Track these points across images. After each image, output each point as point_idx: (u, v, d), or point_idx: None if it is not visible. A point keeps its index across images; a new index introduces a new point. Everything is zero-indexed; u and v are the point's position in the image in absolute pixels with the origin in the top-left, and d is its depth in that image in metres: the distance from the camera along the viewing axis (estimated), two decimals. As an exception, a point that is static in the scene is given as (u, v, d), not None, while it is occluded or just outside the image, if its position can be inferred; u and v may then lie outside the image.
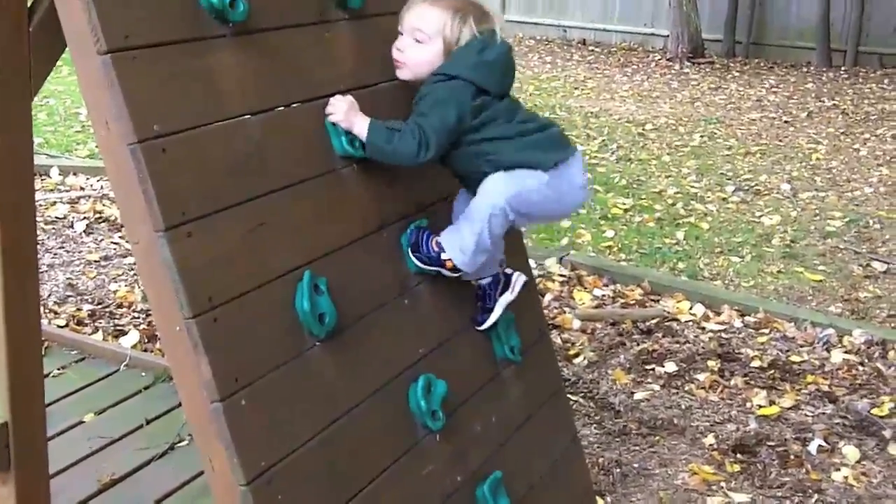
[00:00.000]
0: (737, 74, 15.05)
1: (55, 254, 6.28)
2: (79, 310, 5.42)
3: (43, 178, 7.78)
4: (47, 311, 5.39)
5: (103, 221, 7.02)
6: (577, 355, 5.31)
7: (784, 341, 5.60)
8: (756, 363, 5.29)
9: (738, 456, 4.42)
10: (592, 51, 17.15)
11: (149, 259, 2.24)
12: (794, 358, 5.38)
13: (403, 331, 2.86)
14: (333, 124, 2.71)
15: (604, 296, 6.18)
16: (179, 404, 4.02)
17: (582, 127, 11.22)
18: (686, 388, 5.02)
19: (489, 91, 2.79)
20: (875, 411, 4.82)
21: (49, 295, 5.62)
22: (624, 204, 8.31)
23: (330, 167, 2.71)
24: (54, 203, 7.16)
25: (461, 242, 2.82)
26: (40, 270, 5.83)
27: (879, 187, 9.08)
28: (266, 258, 2.43)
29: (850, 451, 4.49)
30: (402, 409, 2.78)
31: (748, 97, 13.30)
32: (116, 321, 5.31)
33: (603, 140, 10.61)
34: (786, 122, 11.84)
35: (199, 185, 2.30)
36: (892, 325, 5.98)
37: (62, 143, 9.22)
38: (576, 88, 13.71)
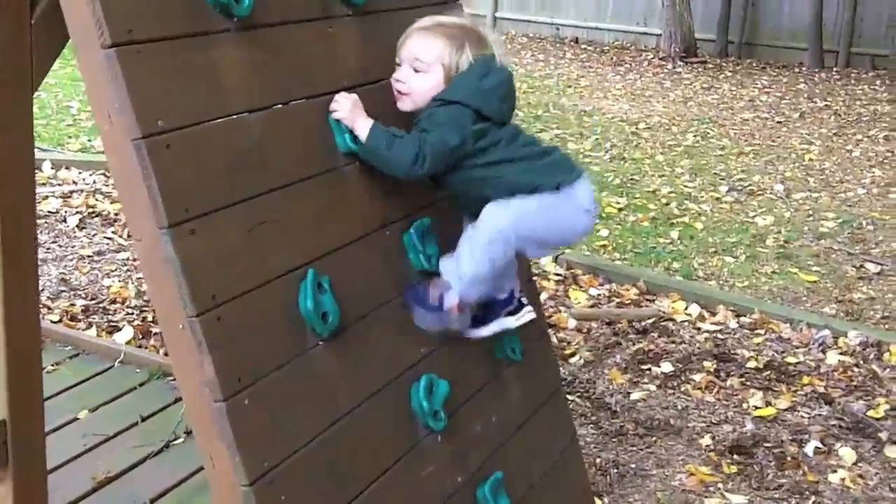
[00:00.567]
0: (729, 74, 15.05)
1: (48, 248, 6.23)
2: (72, 305, 5.38)
3: (35, 172, 7.72)
4: (41, 306, 5.34)
5: (96, 216, 6.98)
6: (572, 355, 5.30)
7: (779, 342, 5.59)
8: (752, 364, 5.29)
9: (735, 457, 4.41)
10: (585, 49, 17.14)
11: (152, 256, 2.20)
12: (790, 359, 5.38)
13: (405, 330, 2.83)
14: (337, 122, 2.69)
15: (599, 295, 6.17)
16: (174, 401, 4.07)
17: (575, 125, 11.20)
18: (682, 389, 5.01)
19: (490, 117, 2.77)
20: (871, 413, 4.82)
21: (42, 290, 5.57)
22: (618, 203, 8.30)
23: (332, 165, 2.68)
24: (46, 197, 7.11)
25: (459, 269, 2.77)
26: (33, 265, 5.80)
27: (872, 188, 9.10)
28: (269, 256, 2.40)
29: (847, 453, 4.48)
30: (404, 409, 2.76)
31: (741, 97, 13.31)
32: (110, 317, 5.27)
33: (596, 139, 10.60)
34: (778, 122, 11.85)
35: (202, 182, 2.27)
36: (887, 326, 5.99)
37: (54, 137, 9.16)
38: (569, 87, 13.69)
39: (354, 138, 2.70)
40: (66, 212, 6.95)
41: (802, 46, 15.91)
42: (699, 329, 5.75)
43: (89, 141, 9.12)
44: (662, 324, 5.75)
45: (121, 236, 6.58)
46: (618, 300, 6.11)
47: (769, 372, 5.20)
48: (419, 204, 2.94)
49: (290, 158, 2.55)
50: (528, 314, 2.99)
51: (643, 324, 5.72)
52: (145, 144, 2.14)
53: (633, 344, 5.46)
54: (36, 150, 7.56)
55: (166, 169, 2.18)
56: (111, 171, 2.27)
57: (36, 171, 7.56)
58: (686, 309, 5.97)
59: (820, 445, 4.52)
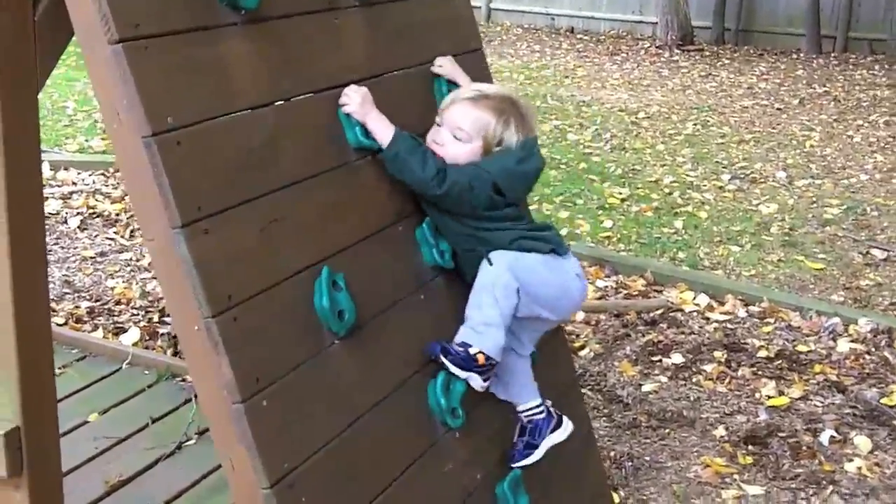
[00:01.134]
0: (727, 62, 15.01)
1: (50, 250, 6.16)
2: (77, 307, 5.33)
3: (34, 173, 7.66)
4: (44, 308, 5.29)
5: (97, 217, 6.92)
6: (582, 347, 5.25)
7: (789, 331, 5.55)
8: (763, 353, 5.24)
9: (750, 448, 4.37)
10: (581, 39, 17.09)
11: (165, 257, 2.16)
12: (801, 347, 5.33)
13: (421, 326, 2.79)
14: (347, 116, 2.65)
15: (606, 287, 6.12)
16: (184, 402, 4.03)
17: (574, 116, 11.15)
18: (694, 380, 4.96)
19: (506, 196, 2.80)
20: (885, 400, 4.77)
21: (45, 292, 5.52)
22: (620, 193, 8.25)
23: (344, 160, 2.64)
24: (46, 199, 7.05)
25: (470, 321, 2.77)
26: (35, 267, 5.74)
27: (875, 174, 9.06)
28: (283, 254, 2.36)
29: (862, 442, 4.44)
30: (422, 406, 2.72)
31: (739, 84, 13.26)
32: (116, 318, 5.22)
33: (596, 129, 10.54)
34: (778, 109, 11.81)
35: (213, 180, 2.22)
36: (896, 312, 5.95)
37: (51, 138, 9.09)
38: (566, 77, 13.64)
39: (365, 132, 2.66)
40: (66, 213, 6.90)
41: (800, 32, 15.87)
42: (708, 319, 5.70)
43: (87, 141, 9.07)
44: (671, 314, 5.70)
45: (123, 237, 6.53)
46: (625, 292, 6.06)
47: (780, 361, 5.16)
48: (432, 198, 2.90)
49: (302, 154, 2.50)
50: (569, 425, 3.05)
51: (652, 315, 5.67)
52: (155, 142, 2.10)
53: (643, 335, 5.42)
54: (35, 152, 7.47)
55: (177, 167, 2.13)
56: (121, 170, 2.23)
57: (35, 172, 7.56)
58: (694, 299, 5.92)
59: (835, 434, 4.48)
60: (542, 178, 8.36)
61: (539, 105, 11.64)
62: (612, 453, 4.24)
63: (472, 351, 2.72)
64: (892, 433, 4.52)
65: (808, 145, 10.07)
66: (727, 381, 4.95)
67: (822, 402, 4.77)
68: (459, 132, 2.82)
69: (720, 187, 8.57)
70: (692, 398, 4.78)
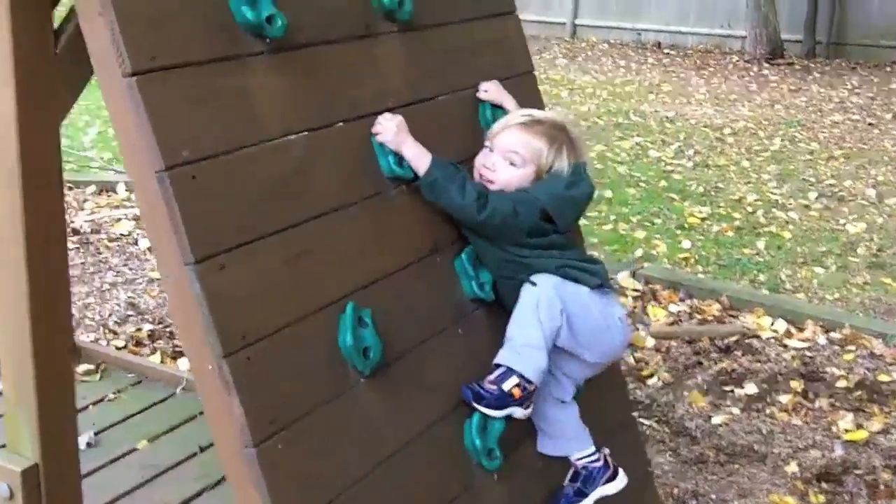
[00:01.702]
0: (817, 76, 14.65)
1: (118, 272, 6.19)
2: (139, 330, 5.32)
3: (109, 194, 7.73)
4: (107, 331, 5.29)
5: (168, 237, 6.93)
6: (650, 376, 5.08)
7: (872, 359, 5.31)
8: (842, 383, 5.01)
9: (823, 485, 4.16)
10: (668, 54, 16.82)
11: (179, 293, 2.10)
12: (883, 377, 5.09)
13: (458, 362, 2.69)
14: (381, 144, 2.56)
15: (679, 311, 5.92)
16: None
17: (657, 132, 10.94)
18: (767, 412, 4.76)
19: (555, 223, 2.73)
20: (971, 435, 4.54)
21: (110, 314, 5.53)
22: (701, 212, 8.04)
23: (377, 190, 2.55)
24: (119, 220, 7.10)
25: (511, 343, 2.66)
26: (103, 289, 5.77)
27: (971, 191, 8.73)
28: (306, 289, 2.28)
29: (945, 480, 4.22)
30: (456, 447, 2.61)
31: (830, 99, 12.92)
32: (175, 342, 5.19)
33: (679, 146, 10.32)
34: (870, 124, 11.46)
35: (233, 214, 2.15)
36: None
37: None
38: (650, 92, 13.42)
39: (399, 161, 2.57)
40: (137, 234, 6.93)
41: (894, 45, 15.42)
42: (786, 346, 5.48)
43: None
44: (747, 341, 5.49)
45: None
46: (699, 316, 5.86)
47: (860, 392, 4.93)
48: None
49: (332, 184, 2.42)
50: (622, 479, 2.93)
51: (726, 341, 5.47)
52: (168, 177, 2.04)
53: (715, 363, 5.22)
54: (111, 173, 7.57)
55: (192, 201, 2.06)
56: (138, 204, 2.17)
57: (111, 193, 7.63)
58: (772, 325, 5.70)
59: (916, 471, 4.27)
60: (620, 197, 8.27)
61: (621, 122, 11.46)
62: (675, 490, 4.07)
63: (506, 387, 2.61)
64: (978, 471, 4.29)
65: (901, 162, 9.76)
66: (803, 412, 4.75)
67: (902, 437, 4.55)
68: (514, 157, 2.76)
69: (806, 206, 8.31)
70: (764, 431, 4.58)
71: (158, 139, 2.03)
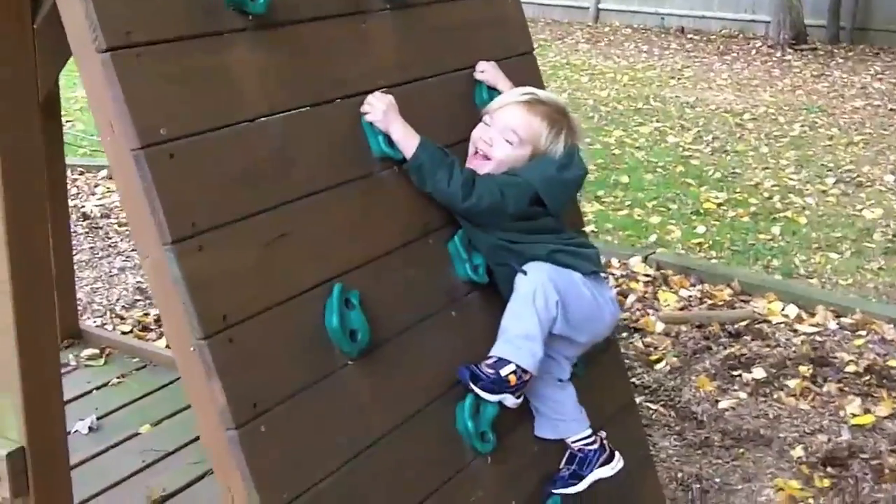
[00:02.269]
0: (841, 61, 14.49)
1: (127, 256, 6.19)
2: (145, 314, 5.32)
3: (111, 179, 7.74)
4: (114, 316, 5.30)
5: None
6: (658, 360, 5.04)
7: (882, 344, 5.25)
8: (851, 368, 4.96)
9: (829, 470, 4.12)
10: (691, 39, 16.68)
11: (159, 274, 2.07)
12: (893, 363, 5.03)
13: (451, 345, 2.66)
14: (370, 124, 2.53)
15: (690, 297, 5.87)
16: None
17: (676, 118, 10.86)
18: (775, 396, 4.71)
19: (546, 205, 2.69)
20: (980, 421, 4.48)
21: (118, 299, 5.53)
22: (717, 198, 7.97)
23: (367, 170, 2.52)
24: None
25: (507, 333, 2.63)
26: (111, 274, 5.78)
27: None
28: (289, 272, 2.25)
29: (952, 465, 4.17)
30: (449, 430, 2.58)
31: (852, 85, 12.78)
32: (182, 326, 5.19)
33: (698, 131, 10.24)
34: (891, 110, 11.34)
35: (212, 194, 2.12)
36: None
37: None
38: (672, 78, 13.31)
39: (389, 141, 2.54)
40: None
41: (919, 29, 15.28)
42: (796, 331, 5.43)
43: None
44: (757, 326, 5.44)
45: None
46: (710, 301, 5.82)
47: (869, 376, 4.87)
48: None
49: (318, 165, 2.39)
50: (618, 462, 2.90)
51: (736, 326, 5.42)
52: (145, 155, 2.01)
53: (725, 348, 5.18)
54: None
55: (169, 180, 2.04)
56: (116, 184, 2.15)
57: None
58: (783, 310, 5.65)
59: (923, 456, 4.21)
60: (636, 183, 8.21)
61: (641, 107, 11.38)
62: (679, 474, 4.03)
63: (503, 373, 2.58)
64: None
65: (921, 147, 9.65)
66: (811, 397, 4.70)
67: (910, 422, 4.50)
68: (512, 135, 2.72)
69: (823, 191, 8.23)
70: (771, 416, 4.54)
71: (134, 117, 2.00)
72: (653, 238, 6.97)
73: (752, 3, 16.98)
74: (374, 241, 2.50)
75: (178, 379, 4.26)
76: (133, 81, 2.01)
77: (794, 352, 5.15)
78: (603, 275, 2.84)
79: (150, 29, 2.06)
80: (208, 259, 2.08)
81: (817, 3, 15.98)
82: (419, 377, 2.54)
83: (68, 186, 5.25)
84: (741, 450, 4.27)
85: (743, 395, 4.72)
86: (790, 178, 8.59)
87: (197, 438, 3.85)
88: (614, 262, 6.24)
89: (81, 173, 7.53)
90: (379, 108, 2.52)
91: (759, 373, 4.90)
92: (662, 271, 6.19)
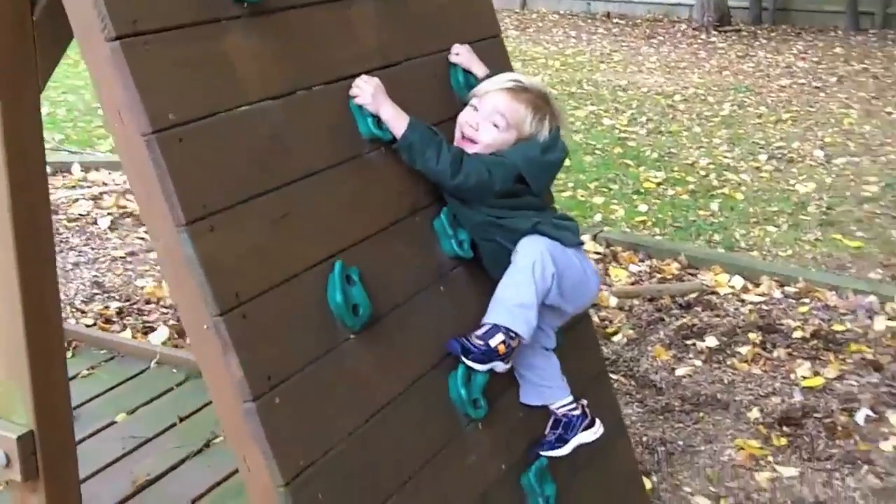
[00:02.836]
0: (764, 41, 14.83)
1: (80, 251, 6.19)
2: (106, 308, 5.34)
3: (65, 174, 7.70)
4: (74, 310, 5.31)
5: (127, 217, 6.93)
6: (615, 333, 5.20)
7: (826, 310, 5.47)
8: (798, 334, 5.17)
9: (785, 429, 4.31)
10: (617, 23, 16.95)
11: (172, 256, 2.14)
12: (837, 327, 5.26)
13: (441, 318, 2.75)
14: (359, 107, 2.61)
15: (640, 272, 6.05)
16: (212, 401, 3.99)
17: (610, 101, 11.06)
18: (728, 363, 4.90)
19: (530, 186, 2.80)
20: (923, 379, 4.69)
21: (76, 294, 5.54)
22: (656, 177, 8.17)
23: (357, 151, 2.60)
24: (77, 200, 7.08)
25: (504, 302, 2.73)
26: (66, 269, 5.78)
27: (915, 150, 8.91)
28: (294, 249, 2.33)
29: (899, 420, 4.37)
30: (443, 398, 2.68)
31: (777, 64, 13.10)
32: (145, 318, 5.22)
33: (632, 113, 10.45)
34: (816, 87, 11.65)
35: (219, 176, 2.19)
36: (936, 289, 5.83)
37: (83, 139, 9.14)
38: (602, 62, 13.53)
39: (378, 123, 2.62)
40: (97, 214, 6.92)
41: (838, 9, 15.64)
42: (743, 301, 5.63)
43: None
44: (706, 297, 5.64)
45: (154, 236, 6.52)
46: (659, 276, 6.00)
47: (816, 341, 5.08)
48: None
49: (314, 147, 2.47)
50: (599, 428, 3.03)
51: (686, 298, 5.61)
52: (157, 140, 2.07)
53: (677, 319, 5.35)
54: (65, 153, 7.53)
55: (180, 164, 2.10)
56: (125, 170, 2.20)
57: (66, 173, 7.61)
58: (729, 281, 5.85)
59: (871, 413, 4.41)
60: (577, 165, 8.36)
61: (574, 91, 11.56)
62: (644, 438, 4.19)
63: (493, 343, 2.68)
64: (931, 411, 4.44)
65: (847, 123, 9.93)
66: (762, 362, 4.89)
67: (857, 382, 4.70)
68: (498, 119, 2.82)
69: (757, 168, 8.47)
70: (726, 381, 4.72)
71: (145, 103, 2.06)
72: (598, 217, 7.13)
73: (675, -14, 17.28)
74: (367, 220, 2.58)
75: (147, 369, 4.36)
76: (141, 68, 2.07)
77: (743, 320, 5.34)
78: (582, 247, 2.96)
79: (154, 17, 2.13)
80: (220, 239, 2.15)
81: (739, -15, 16.32)
82: (414, 349, 2.63)
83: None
84: (701, 413, 4.43)
85: (698, 362, 4.89)
86: (724, 156, 8.82)
87: (174, 425, 3.93)
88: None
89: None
90: (367, 91, 2.60)
91: (711, 341, 5.08)
92: (612, 248, 6.36)
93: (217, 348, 2.13)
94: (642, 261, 6.20)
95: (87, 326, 4.99)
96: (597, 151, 8.94)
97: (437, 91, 2.98)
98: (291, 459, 2.19)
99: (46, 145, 2.55)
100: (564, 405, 2.97)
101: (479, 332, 2.71)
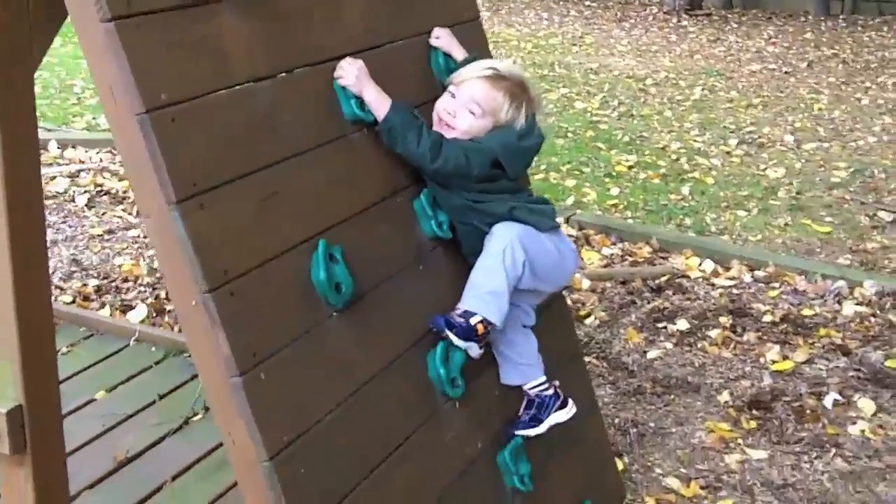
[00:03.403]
0: (735, 26, 14.95)
1: (57, 229, 6.21)
2: (84, 285, 5.36)
3: (41, 152, 7.69)
4: (53, 287, 5.33)
5: (105, 194, 6.94)
6: (587, 315, 5.27)
7: (795, 295, 5.56)
8: (768, 318, 5.25)
9: (754, 412, 4.39)
10: (589, 6, 17.02)
11: (162, 233, 2.18)
12: (806, 311, 5.34)
13: (421, 297, 2.81)
14: (343, 88, 2.65)
15: (612, 255, 6.13)
16: (191, 378, 4.05)
17: (582, 84, 11.13)
18: (699, 346, 4.98)
19: (506, 171, 2.85)
20: (889, 363, 4.78)
21: (54, 271, 5.56)
22: (627, 161, 8.24)
23: (342, 132, 2.65)
24: (54, 177, 7.09)
25: (476, 289, 2.79)
26: (44, 246, 5.77)
27: (883, 136, 9.02)
28: (280, 228, 2.38)
29: (866, 404, 4.45)
30: (422, 377, 2.74)
31: (747, 49, 13.21)
32: (123, 296, 5.25)
33: (604, 96, 10.52)
34: (786, 72, 11.76)
35: (209, 155, 2.23)
36: (903, 274, 5.94)
37: (59, 116, 9.13)
38: (574, 45, 13.60)
39: (361, 105, 2.67)
40: (74, 191, 6.93)
41: (808, -5, 15.78)
42: (714, 285, 5.71)
43: (94, 119, 9.09)
44: (677, 281, 5.72)
45: (130, 214, 6.56)
46: (631, 259, 6.07)
47: (785, 325, 5.17)
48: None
49: (300, 127, 2.51)
50: (572, 408, 3.11)
51: (657, 282, 5.68)
52: (149, 119, 2.11)
53: (648, 302, 5.43)
54: (41, 130, 7.52)
55: (172, 143, 2.14)
56: (118, 148, 2.24)
57: (42, 151, 7.60)
58: (700, 265, 5.93)
59: (839, 397, 4.49)
60: (549, 148, 8.41)
61: (546, 73, 11.62)
62: (616, 420, 4.27)
63: (472, 321, 2.74)
64: (896, 395, 4.54)
65: (817, 108, 10.04)
66: (732, 346, 4.97)
67: (826, 366, 4.78)
68: (475, 107, 2.86)
69: (727, 152, 8.56)
70: (697, 364, 4.80)
71: (138, 82, 2.10)
72: (570, 200, 7.19)
73: (646, -30, 17.35)
74: (350, 200, 2.63)
75: (126, 346, 4.39)
76: (135, 49, 2.11)
77: (714, 304, 5.42)
78: (560, 228, 3.01)
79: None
80: (209, 217, 2.20)
81: (710, -30, 16.41)
82: (394, 328, 2.68)
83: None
84: (672, 396, 4.51)
85: (669, 345, 4.97)
86: (695, 141, 8.90)
87: (153, 402, 3.97)
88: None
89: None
90: (351, 73, 2.64)
91: (682, 324, 5.16)
92: (584, 231, 6.43)
93: (205, 324, 2.18)
94: (614, 244, 6.28)
95: (66, 304, 5.02)
96: (569, 134, 9.01)
97: (417, 74, 3.02)
98: (276, 434, 2.24)
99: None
100: (537, 385, 3.04)
101: (458, 312, 2.77)
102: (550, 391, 3.07)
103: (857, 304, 5.42)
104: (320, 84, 2.62)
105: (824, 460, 4.06)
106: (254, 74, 2.39)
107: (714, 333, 5.08)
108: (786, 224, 6.85)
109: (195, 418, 3.83)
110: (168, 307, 5.01)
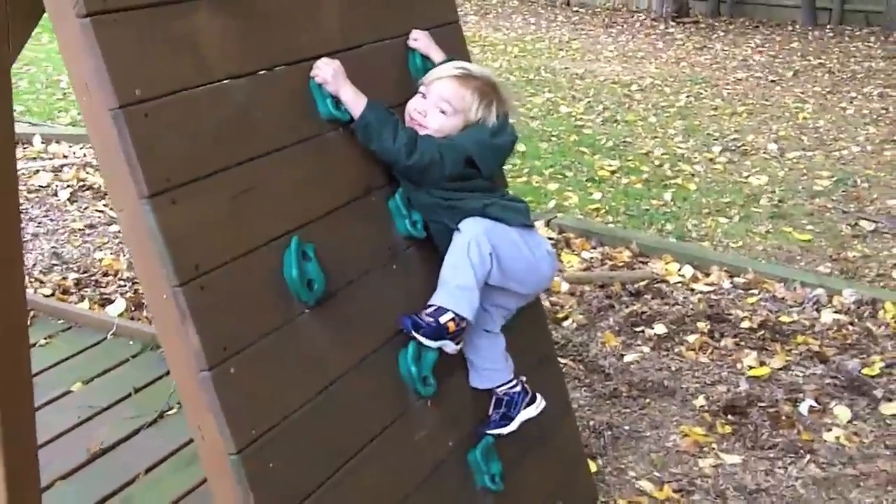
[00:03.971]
0: (722, 34, 14.99)
1: (39, 222, 6.22)
2: (64, 279, 5.37)
3: (25, 146, 7.71)
4: (33, 280, 5.34)
5: (87, 189, 6.95)
6: (565, 318, 5.29)
7: (774, 302, 5.59)
8: (746, 324, 5.28)
9: (729, 417, 4.41)
10: (576, 11, 17.07)
11: (134, 227, 2.19)
12: (784, 318, 5.37)
13: (393, 296, 2.82)
14: (319, 87, 2.67)
15: (592, 258, 6.16)
16: (167, 373, 4.04)
17: (567, 88, 11.16)
18: (676, 350, 5.00)
19: (480, 169, 2.87)
20: (866, 371, 4.81)
21: (34, 264, 5.57)
22: (610, 166, 8.28)
23: (317, 131, 2.67)
24: (37, 171, 7.09)
25: (445, 285, 2.81)
26: (25, 240, 5.78)
27: (866, 146, 9.06)
28: (253, 225, 2.39)
29: (842, 412, 4.48)
30: (394, 374, 2.76)
31: (734, 57, 13.25)
32: (102, 290, 5.26)
33: (588, 101, 10.56)
34: (772, 81, 11.81)
35: (183, 151, 2.25)
36: (882, 284, 5.97)
37: (44, 111, 9.12)
38: (560, 50, 13.63)
39: (336, 104, 2.69)
40: (57, 185, 6.93)
41: (795, 4, 15.83)
42: (692, 290, 5.74)
43: (79, 114, 9.06)
44: (656, 286, 5.74)
45: (112, 209, 6.56)
46: (611, 263, 6.10)
47: (763, 331, 5.20)
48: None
49: (276, 125, 2.53)
50: (540, 402, 3.13)
51: (636, 286, 5.71)
52: (123, 114, 2.13)
53: (627, 306, 5.46)
54: (26, 125, 7.55)
55: (145, 138, 2.16)
56: (92, 142, 2.25)
57: (27, 145, 7.62)
58: (679, 270, 5.96)
59: (815, 404, 4.52)
60: (533, 151, 8.45)
61: (532, 78, 11.65)
62: (591, 423, 4.29)
63: (442, 320, 2.76)
64: (872, 403, 4.57)
65: (801, 117, 10.08)
66: (709, 351, 5.00)
67: (803, 373, 4.81)
68: (445, 105, 2.89)
69: (711, 159, 8.59)
70: (673, 368, 4.83)
71: (112, 78, 2.11)
72: (552, 204, 7.22)
73: (635, -24, 17.39)
74: (324, 198, 2.65)
75: (104, 340, 4.41)
76: (110, 45, 2.12)
77: (692, 309, 5.45)
78: (534, 228, 3.04)
79: (123, -5, 2.18)
80: (181, 212, 2.21)
81: (699, -22, 16.47)
82: (367, 325, 2.70)
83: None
84: (647, 400, 4.54)
85: (646, 349, 4.99)
86: (679, 147, 8.94)
87: (129, 395, 3.98)
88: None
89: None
90: (328, 72, 2.66)
91: (660, 329, 5.19)
92: (564, 234, 6.46)
93: (175, 318, 2.19)
94: (594, 248, 6.30)
95: (46, 296, 5.02)
96: (553, 138, 9.04)
97: (395, 75, 3.04)
98: (244, 428, 2.26)
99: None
100: (505, 385, 3.06)
101: (428, 310, 2.78)
102: (518, 388, 3.09)
103: (836, 312, 5.45)
104: (297, 83, 2.63)
105: (798, 466, 4.08)
106: (230, 72, 2.41)
107: (692, 338, 5.11)
108: (767, 231, 6.88)
109: (170, 412, 3.84)
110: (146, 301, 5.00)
